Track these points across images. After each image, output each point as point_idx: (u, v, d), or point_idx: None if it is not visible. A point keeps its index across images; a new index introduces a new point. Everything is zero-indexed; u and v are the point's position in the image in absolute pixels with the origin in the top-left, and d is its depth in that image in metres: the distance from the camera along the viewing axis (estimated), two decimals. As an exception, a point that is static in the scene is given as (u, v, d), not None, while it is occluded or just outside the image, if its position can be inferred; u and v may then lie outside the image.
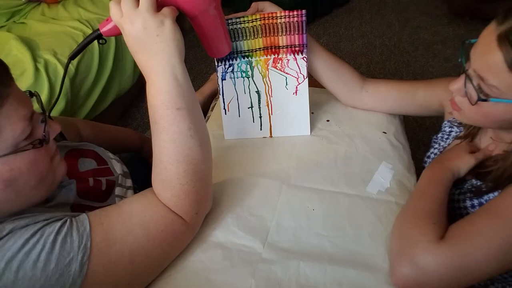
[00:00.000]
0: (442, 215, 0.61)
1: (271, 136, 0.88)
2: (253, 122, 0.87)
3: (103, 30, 0.61)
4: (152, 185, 0.61)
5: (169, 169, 0.58)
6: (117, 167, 0.74)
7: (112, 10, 0.55)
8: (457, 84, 0.62)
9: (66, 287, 0.48)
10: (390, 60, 2.21)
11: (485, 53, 0.56)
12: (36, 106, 0.57)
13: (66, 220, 0.53)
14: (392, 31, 2.41)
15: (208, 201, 0.65)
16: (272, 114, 0.87)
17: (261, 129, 0.88)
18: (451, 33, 2.33)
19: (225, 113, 0.86)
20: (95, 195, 0.66)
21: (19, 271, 0.46)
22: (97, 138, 0.85)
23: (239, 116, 0.87)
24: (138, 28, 0.54)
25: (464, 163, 0.69)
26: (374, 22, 2.50)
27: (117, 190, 0.71)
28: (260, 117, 0.87)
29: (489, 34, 0.55)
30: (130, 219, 0.56)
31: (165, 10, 0.55)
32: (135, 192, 0.75)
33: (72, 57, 0.67)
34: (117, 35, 0.60)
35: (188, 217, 0.61)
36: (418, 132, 1.75)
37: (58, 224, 0.51)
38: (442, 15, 2.46)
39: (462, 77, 0.62)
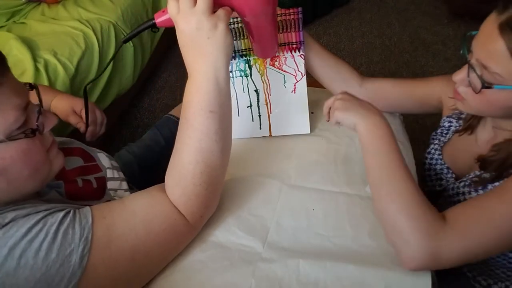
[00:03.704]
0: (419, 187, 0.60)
1: (270, 135, 0.88)
2: (252, 121, 0.87)
3: (158, 20, 0.61)
4: (165, 179, 0.61)
5: (186, 168, 0.58)
6: (105, 161, 0.74)
7: (170, 4, 0.55)
8: (460, 74, 0.63)
9: (66, 278, 0.49)
10: (390, 60, 2.20)
11: (487, 42, 0.57)
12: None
13: (69, 212, 0.53)
14: (392, 31, 2.41)
15: (214, 207, 0.66)
16: (271, 113, 0.86)
17: (260, 128, 0.88)
18: (451, 33, 2.32)
19: None
20: (88, 195, 0.66)
21: (21, 259, 0.47)
22: None
23: (238, 116, 0.86)
24: (191, 28, 0.54)
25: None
26: (374, 22, 2.50)
27: (110, 184, 0.71)
28: (259, 116, 0.87)
29: (490, 24, 0.56)
30: (133, 216, 0.57)
31: (221, 12, 0.55)
32: (128, 184, 0.76)
33: (125, 41, 0.67)
34: (170, 27, 0.60)
35: (192, 218, 0.61)
36: (418, 132, 1.75)
37: (61, 214, 0.52)
38: (442, 15, 2.46)
39: (465, 67, 0.62)
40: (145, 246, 0.56)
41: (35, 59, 1.41)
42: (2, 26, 1.68)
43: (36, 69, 1.38)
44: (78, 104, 0.88)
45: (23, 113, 0.51)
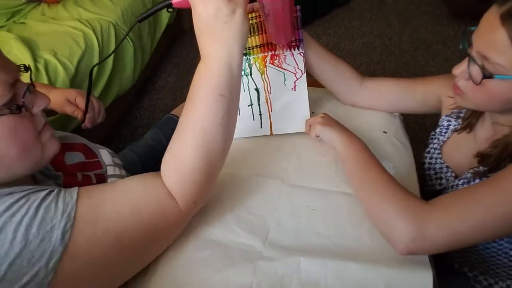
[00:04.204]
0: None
1: (271, 134, 0.88)
2: (253, 120, 0.87)
3: (175, 1, 0.60)
4: (162, 164, 0.60)
5: (187, 152, 0.57)
6: (107, 158, 0.74)
7: None
8: (461, 67, 0.64)
9: (46, 254, 0.47)
10: (390, 60, 2.20)
11: (488, 32, 0.58)
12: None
13: (54, 190, 0.52)
14: (392, 31, 2.41)
15: (208, 196, 0.65)
16: (271, 111, 0.86)
17: (261, 127, 0.87)
18: (451, 33, 2.32)
19: None
20: None
21: (1, 233, 0.46)
22: None
23: (240, 115, 0.86)
24: (209, 12, 0.53)
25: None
26: (374, 22, 2.50)
27: (110, 181, 0.70)
28: (260, 114, 0.86)
29: (491, 16, 0.57)
30: (122, 198, 0.56)
31: None
32: None
33: (140, 20, 0.66)
34: (186, 8, 0.59)
35: (185, 204, 0.59)
36: (418, 132, 1.75)
37: (45, 192, 0.51)
38: (442, 15, 2.46)
39: (465, 60, 0.63)
40: (132, 229, 0.55)
41: (35, 59, 1.41)
42: (2, 26, 1.68)
43: (36, 69, 1.38)
44: (71, 93, 0.89)
45: (9, 89, 0.51)
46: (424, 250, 0.59)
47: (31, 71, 0.57)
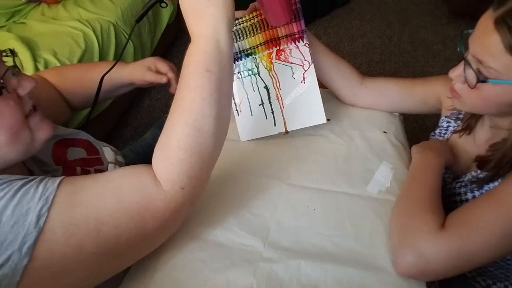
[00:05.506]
0: (439, 203, 0.63)
1: (286, 131, 0.86)
2: (266, 118, 0.86)
3: None
4: (154, 151, 0.58)
5: (174, 129, 0.55)
6: (109, 155, 0.73)
7: None
8: (457, 70, 0.64)
9: (20, 237, 0.46)
10: (390, 60, 2.20)
11: (483, 36, 0.58)
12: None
13: (38, 177, 0.52)
14: (392, 31, 2.41)
15: (199, 185, 0.59)
16: (283, 108, 0.85)
17: (275, 125, 0.86)
18: (451, 33, 2.32)
19: (238, 115, 0.85)
20: None
21: None
22: (62, 80, 0.87)
23: (252, 115, 0.86)
24: None
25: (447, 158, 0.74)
26: (374, 22, 2.50)
27: None
28: (272, 112, 0.85)
29: (486, 20, 0.57)
30: (105, 184, 0.54)
31: None
32: None
33: (137, 20, 0.67)
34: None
35: (172, 189, 0.55)
36: (418, 132, 1.75)
37: (29, 178, 0.51)
38: (442, 15, 2.46)
39: (461, 64, 0.63)
40: (113, 218, 0.52)
41: (35, 59, 1.41)
42: (2, 26, 1.68)
43: (36, 69, 1.38)
44: (149, 61, 0.93)
45: None
46: (424, 273, 0.58)
47: (14, 55, 0.57)
